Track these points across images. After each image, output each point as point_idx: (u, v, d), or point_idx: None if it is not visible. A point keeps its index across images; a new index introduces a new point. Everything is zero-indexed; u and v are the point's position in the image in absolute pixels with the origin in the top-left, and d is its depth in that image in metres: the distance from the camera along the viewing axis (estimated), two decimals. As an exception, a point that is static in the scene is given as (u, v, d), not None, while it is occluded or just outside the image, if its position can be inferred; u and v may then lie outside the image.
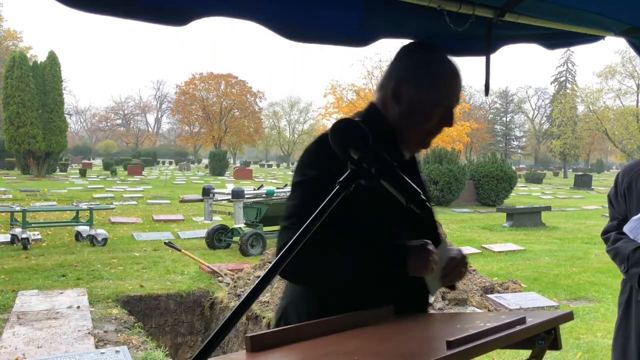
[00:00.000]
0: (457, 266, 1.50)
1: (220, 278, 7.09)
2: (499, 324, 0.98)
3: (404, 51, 1.55)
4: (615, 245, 2.28)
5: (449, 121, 1.49)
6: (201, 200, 11.93)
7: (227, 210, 14.19)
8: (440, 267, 1.44)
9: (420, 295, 1.51)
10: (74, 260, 8.31)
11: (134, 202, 18.44)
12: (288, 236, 1.21)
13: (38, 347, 4.51)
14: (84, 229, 10.15)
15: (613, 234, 2.33)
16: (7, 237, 9.90)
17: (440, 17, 1.86)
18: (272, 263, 0.92)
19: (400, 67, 1.52)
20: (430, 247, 1.37)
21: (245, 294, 0.90)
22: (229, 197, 9.66)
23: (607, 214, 2.53)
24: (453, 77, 1.51)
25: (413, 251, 1.35)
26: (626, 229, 2.22)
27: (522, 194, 28.46)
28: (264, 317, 5.40)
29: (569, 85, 64.01)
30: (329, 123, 31.32)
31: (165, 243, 8.24)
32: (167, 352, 4.78)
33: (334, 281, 1.35)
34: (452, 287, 1.61)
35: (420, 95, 1.46)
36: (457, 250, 1.57)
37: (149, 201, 18.85)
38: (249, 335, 0.97)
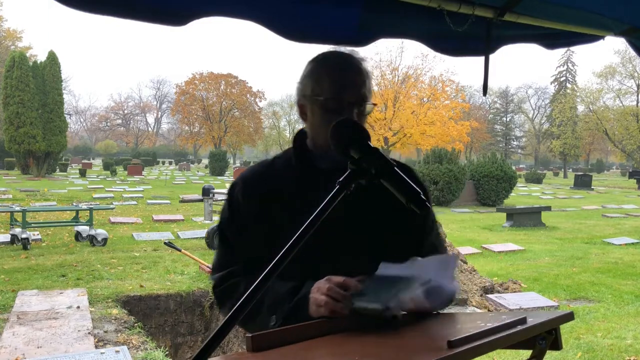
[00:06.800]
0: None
1: (220, 278, 7.09)
2: (500, 324, 0.98)
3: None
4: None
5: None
6: (201, 200, 11.95)
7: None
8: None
9: None
10: (74, 260, 8.31)
11: (134, 202, 18.44)
12: None
13: (38, 347, 4.51)
14: (83, 229, 10.15)
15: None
16: (7, 237, 9.90)
17: (440, 17, 1.86)
18: (272, 262, 0.92)
19: (297, 86, 1.43)
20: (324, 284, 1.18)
21: (245, 294, 0.90)
22: (229, 197, 9.65)
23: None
24: (332, 69, 1.36)
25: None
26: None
27: (522, 194, 28.47)
28: (264, 317, 5.39)
29: (569, 85, 64.04)
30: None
31: (165, 243, 8.22)
32: (167, 352, 4.78)
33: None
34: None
35: (311, 101, 1.37)
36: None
37: (149, 201, 18.85)
38: (249, 335, 0.97)
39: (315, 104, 1.35)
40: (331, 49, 1.45)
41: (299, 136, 1.45)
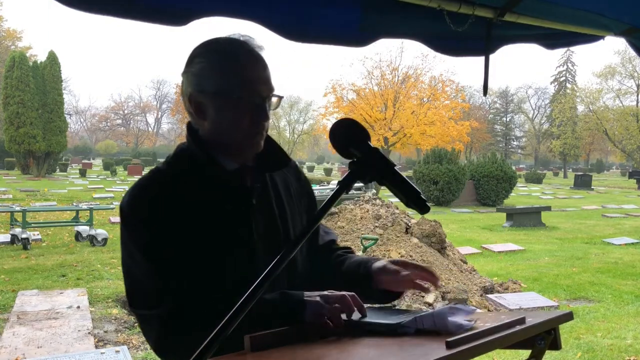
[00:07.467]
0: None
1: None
2: (499, 324, 0.98)
3: (187, 62, 1.28)
4: None
5: (262, 113, 1.27)
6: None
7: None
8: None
9: None
10: (74, 260, 8.31)
11: (134, 202, 18.42)
12: None
13: (38, 347, 4.52)
14: (84, 229, 10.15)
15: None
16: (7, 237, 9.90)
17: (440, 17, 1.87)
18: (274, 261, 0.92)
19: (188, 79, 1.27)
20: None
21: (246, 294, 0.90)
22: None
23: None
24: (239, 63, 1.24)
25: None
26: None
27: (522, 194, 28.47)
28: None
29: (568, 85, 64.03)
30: (329, 123, 31.36)
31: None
32: (167, 352, 4.78)
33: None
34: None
35: (215, 98, 1.23)
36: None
37: (149, 201, 18.84)
38: (249, 335, 0.97)
39: (223, 101, 1.22)
40: (224, 36, 1.29)
41: (196, 136, 1.29)
